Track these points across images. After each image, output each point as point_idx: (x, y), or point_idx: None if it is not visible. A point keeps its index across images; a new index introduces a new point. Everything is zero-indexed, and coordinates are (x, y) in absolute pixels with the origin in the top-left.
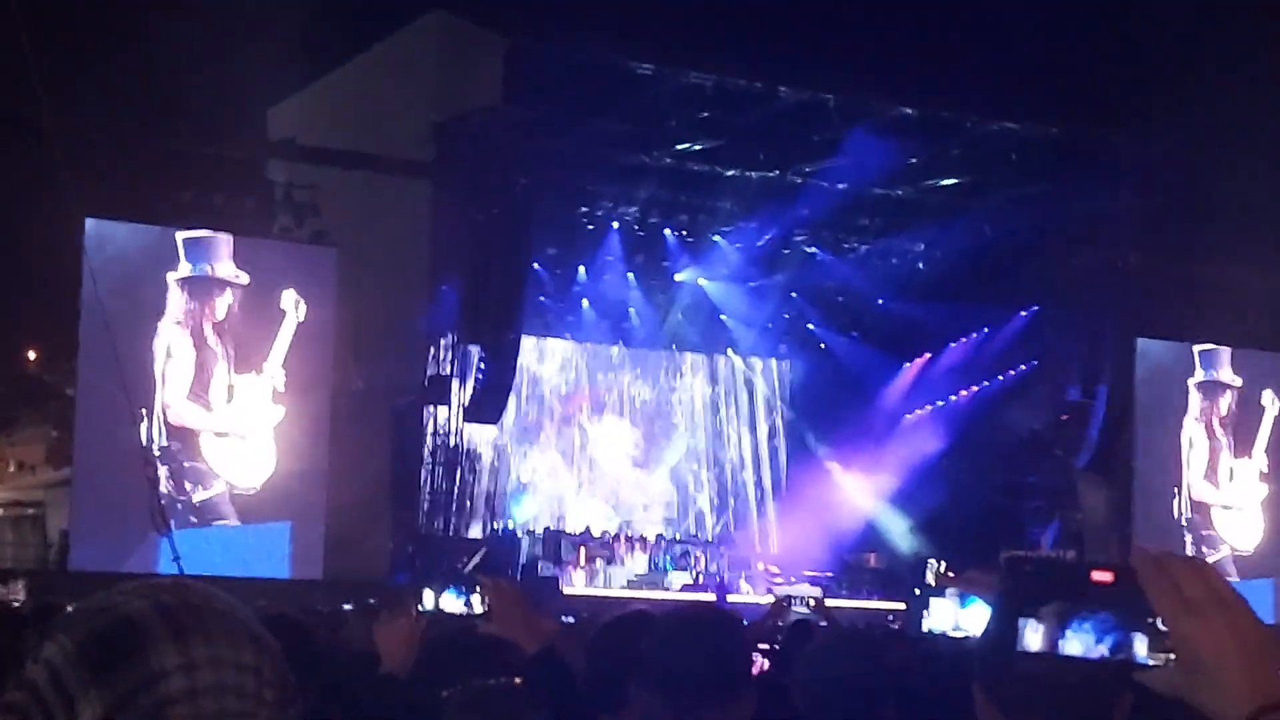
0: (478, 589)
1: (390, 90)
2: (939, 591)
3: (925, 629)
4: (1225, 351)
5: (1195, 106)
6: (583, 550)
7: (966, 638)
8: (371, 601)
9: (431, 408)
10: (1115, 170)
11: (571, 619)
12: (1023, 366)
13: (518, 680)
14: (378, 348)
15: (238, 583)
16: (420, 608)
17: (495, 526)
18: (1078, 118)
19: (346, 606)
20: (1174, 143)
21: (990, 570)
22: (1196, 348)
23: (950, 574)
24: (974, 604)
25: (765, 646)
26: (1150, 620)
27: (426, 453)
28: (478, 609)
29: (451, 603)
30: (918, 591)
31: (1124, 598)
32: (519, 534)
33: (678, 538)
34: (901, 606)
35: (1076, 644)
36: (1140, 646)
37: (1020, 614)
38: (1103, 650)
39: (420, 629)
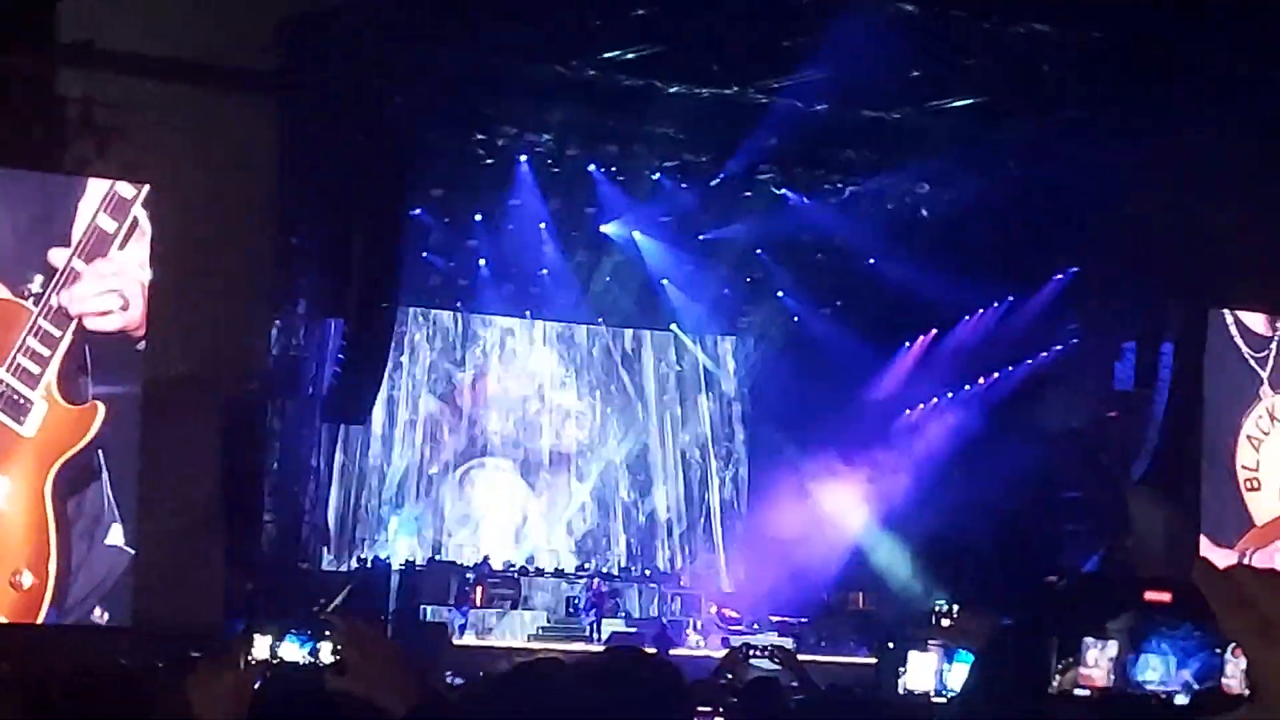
0: (327, 635)
1: None
2: (919, 644)
3: (901, 689)
4: None
5: None
6: (479, 588)
7: (961, 700)
8: (195, 655)
9: (277, 401)
10: (1183, 93)
11: (459, 679)
12: (1058, 348)
13: None
14: (205, 320)
15: (14, 630)
16: (250, 658)
17: (365, 557)
18: (1131, 21)
19: (159, 663)
20: (1262, 59)
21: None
22: None
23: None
24: (965, 661)
25: (711, 709)
26: (1228, 644)
27: (271, 460)
28: (326, 659)
29: (293, 651)
30: (891, 645)
31: (1193, 618)
32: (396, 567)
33: (605, 572)
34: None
35: (1153, 670)
36: (1232, 672)
37: (1066, 643)
38: (1186, 677)
39: (250, 685)
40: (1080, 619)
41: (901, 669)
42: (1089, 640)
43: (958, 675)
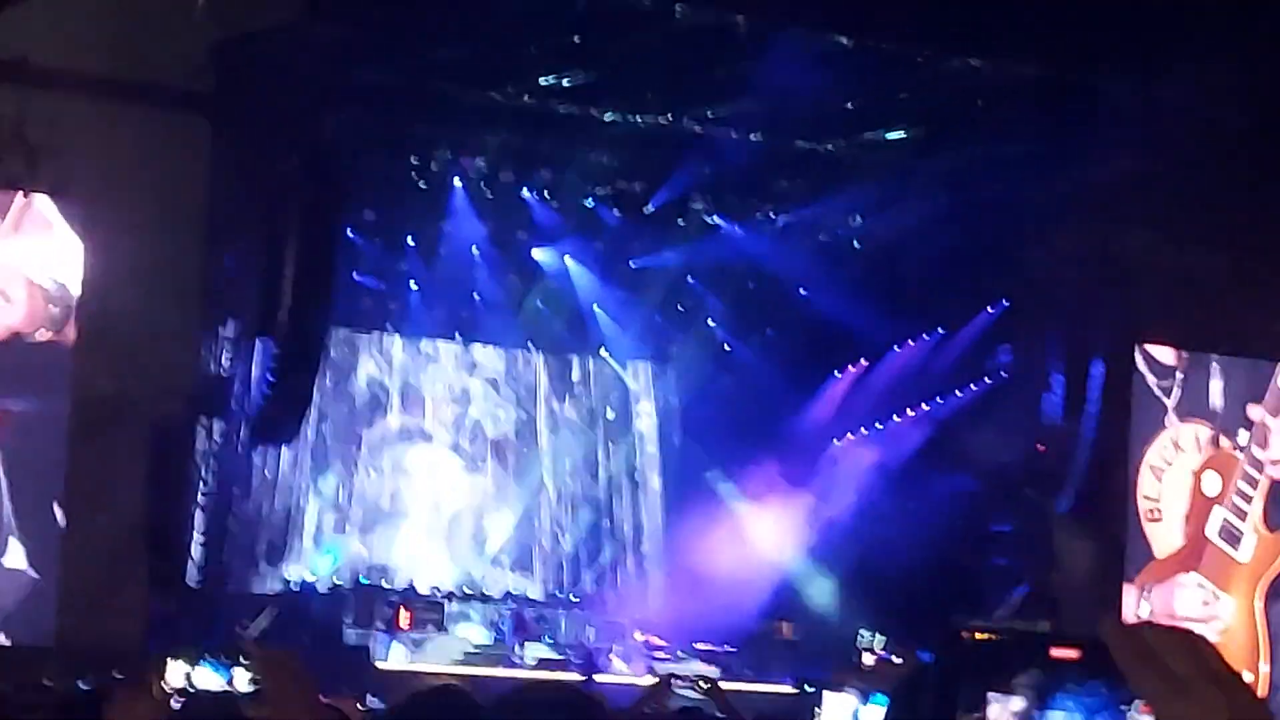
0: (244, 662)
1: None
2: (835, 685)
3: None
4: (1248, 365)
5: (1225, 45)
6: (405, 612)
7: None
8: (117, 676)
9: (205, 420)
10: (1114, 127)
11: (381, 704)
12: (987, 380)
13: None
14: (133, 338)
15: None
16: (164, 685)
17: (289, 579)
18: (1065, 56)
19: (82, 685)
20: (1193, 93)
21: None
22: (1215, 358)
23: (883, 651)
24: (881, 704)
25: None
26: (1131, 699)
27: (197, 481)
28: (242, 687)
29: (209, 678)
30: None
31: (1100, 675)
32: (320, 589)
33: (532, 597)
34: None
35: None
36: None
37: (971, 698)
38: None
39: (165, 713)
40: (987, 672)
41: (817, 709)
42: (994, 695)
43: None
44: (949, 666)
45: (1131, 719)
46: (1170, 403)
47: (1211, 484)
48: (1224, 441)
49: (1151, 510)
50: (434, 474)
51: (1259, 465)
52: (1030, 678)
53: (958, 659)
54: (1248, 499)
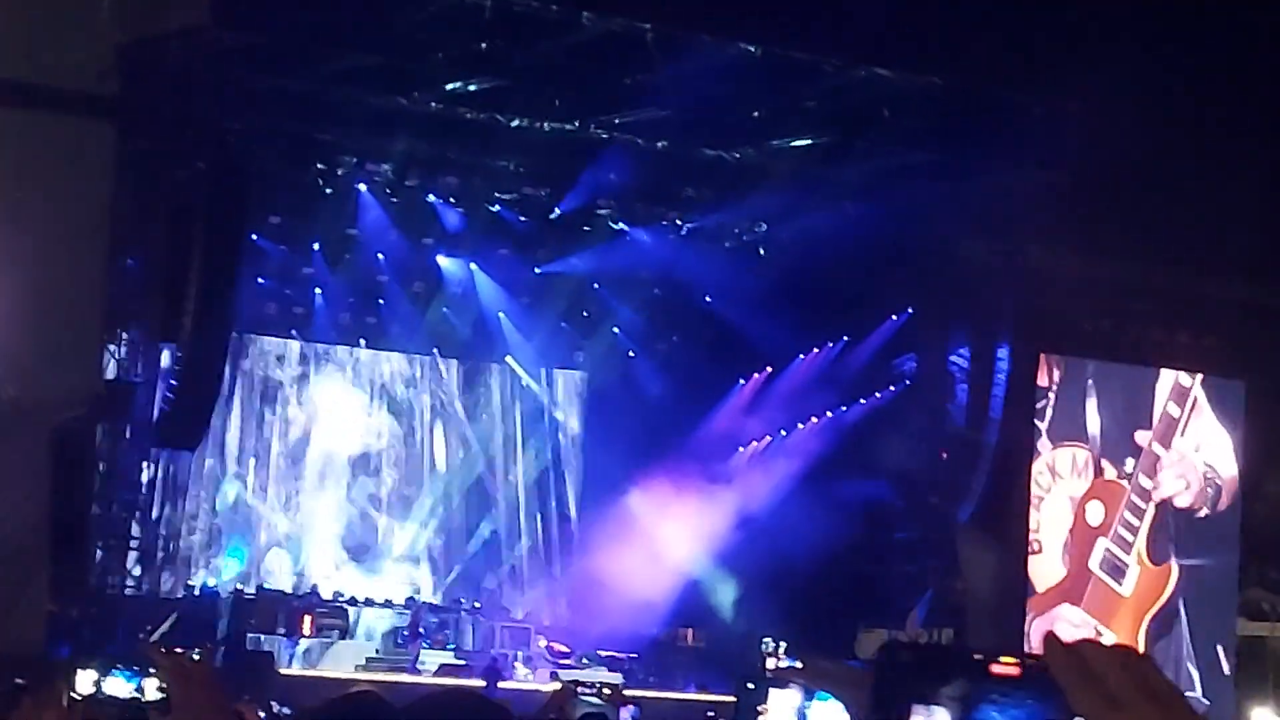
0: (152, 669)
1: None
2: (780, 682)
3: None
4: (1153, 375)
5: (1126, 60)
6: (308, 618)
7: None
8: (19, 682)
9: (107, 425)
10: (1017, 138)
11: (288, 709)
12: (891, 388)
13: None
14: (35, 343)
15: None
16: (74, 693)
17: (193, 584)
18: (971, 67)
19: None
20: (1095, 106)
21: (843, 655)
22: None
23: (786, 657)
24: (825, 700)
25: None
26: (1070, 717)
27: (100, 486)
28: (151, 695)
29: (119, 686)
30: (751, 685)
31: (1034, 690)
32: (223, 594)
33: (434, 603)
34: (727, 699)
35: None
36: None
37: (897, 708)
38: None
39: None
40: (912, 683)
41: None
42: (918, 706)
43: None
44: (882, 676)
45: None
46: (1044, 425)
47: (1095, 514)
48: (1108, 468)
49: (1031, 543)
50: (337, 480)
51: (1146, 495)
52: (957, 689)
53: (881, 670)
54: (1133, 530)
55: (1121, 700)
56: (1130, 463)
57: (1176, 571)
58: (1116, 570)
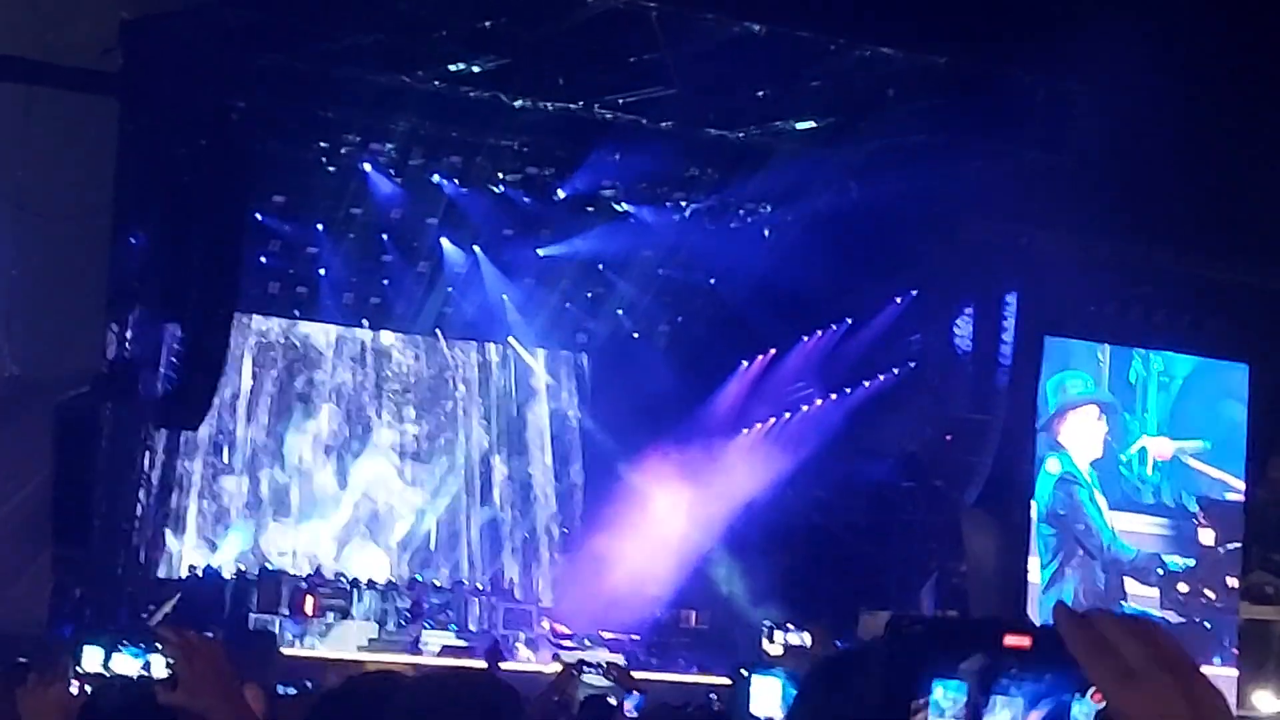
0: (160, 647)
1: None
2: (763, 670)
3: (755, 715)
4: (1159, 358)
5: (1131, 41)
6: (310, 598)
7: None
8: (21, 660)
9: (110, 405)
10: (1023, 119)
11: (292, 689)
12: (895, 371)
13: None
14: (37, 321)
15: None
16: (79, 669)
17: (195, 565)
18: (976, 48)
19: None
20: (1100, 88)
21: (845, 638)
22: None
23: (794, 629)
24: None
25: None
26: (1086, 689)
27: (103, 465)
28: (159, 672)
29: (126, 664)
30: (745, 671)
31: (1049, 662)
32: (225, 575)
33: (437, 584)
34: (729, 682)
35: (1005, 713)
36: (1081, 717)
37: (916, 684)
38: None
39: (78, 698)
40: (932, 659)
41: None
42: (939, 681)
43: None
44: (896, 652)
45: (1082, 707)
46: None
47: None
48: None
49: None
50: (340, 461)
51: None
52: (974, 663)
53: (904, 644)
54: None
55: (1137, 672)
56: None
57: None
58: None
